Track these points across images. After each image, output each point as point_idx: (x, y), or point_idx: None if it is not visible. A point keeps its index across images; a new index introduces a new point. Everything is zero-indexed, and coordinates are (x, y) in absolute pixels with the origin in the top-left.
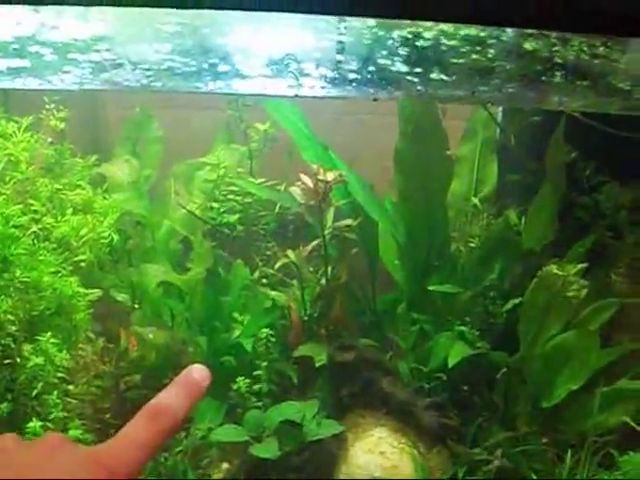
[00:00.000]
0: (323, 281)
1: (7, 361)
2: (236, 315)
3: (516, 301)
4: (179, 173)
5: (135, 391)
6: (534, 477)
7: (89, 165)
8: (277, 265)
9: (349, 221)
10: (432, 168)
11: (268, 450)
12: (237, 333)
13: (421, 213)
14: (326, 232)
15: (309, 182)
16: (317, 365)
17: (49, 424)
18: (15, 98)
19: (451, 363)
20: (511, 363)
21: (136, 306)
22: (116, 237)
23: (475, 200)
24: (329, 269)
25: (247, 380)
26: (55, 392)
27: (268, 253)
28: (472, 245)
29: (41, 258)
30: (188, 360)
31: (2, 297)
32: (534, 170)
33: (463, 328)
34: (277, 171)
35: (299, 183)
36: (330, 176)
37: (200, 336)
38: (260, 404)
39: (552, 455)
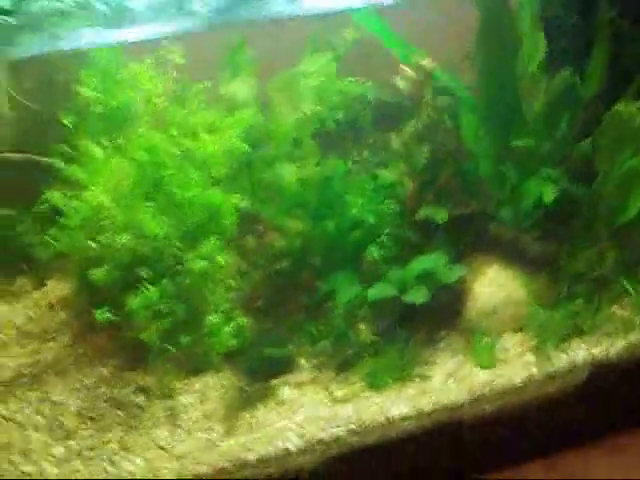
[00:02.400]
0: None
1: (178, 267)
2: (349, 198)
3: (588, 140)
4: (278, 85)
5: (283, 277)
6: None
7: (206, 90)
8: (394, 146)
9: (447, 99)
10: (504, 45)
11: (419, 295)
12: (354, 212)
13: (497, 83)
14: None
15: (409, 71)
16: (440, 222)
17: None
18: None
19: (547, 200)
20: (590, 191)
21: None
22: (247, 148)
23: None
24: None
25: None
26: (221, 289)
27: (371, 141)
28: (539, 104)
29: (188, 176)
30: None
31: (159, 216)
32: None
33: (549, 171)
34: (360, 73)
35: (402, 73)
36: (426, 63)
37: (326, 219)
38: (387, 268)
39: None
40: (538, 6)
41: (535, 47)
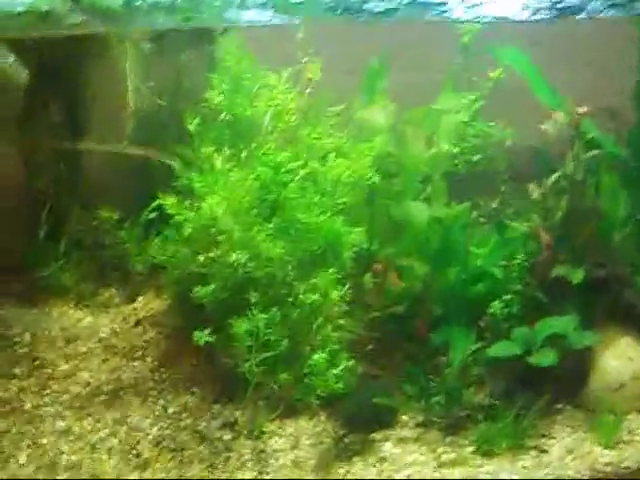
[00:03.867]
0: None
1: (289, 299)
2: (473, 248)
3: None
4: (415, 118)
5: (398, 322)
6: None
7: (338, 112)
8: (533, 196)
9: (595, 152)
10: None
11: (547, 358)
12: (479, 263)
13: None
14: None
15: (561, 117)
16: (575, 283)
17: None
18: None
19: None
20: None
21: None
22: (377, 178)
23: None
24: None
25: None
26: (329, 326)
27: (502, 189)
28: None
29: (311, 200)
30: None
31: (275, 240)
32: None
33: None
34: (501, 115)
35: (551, 119)
36: (583, 109)
37: (448, 267)
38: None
39: None
40: None
41: None
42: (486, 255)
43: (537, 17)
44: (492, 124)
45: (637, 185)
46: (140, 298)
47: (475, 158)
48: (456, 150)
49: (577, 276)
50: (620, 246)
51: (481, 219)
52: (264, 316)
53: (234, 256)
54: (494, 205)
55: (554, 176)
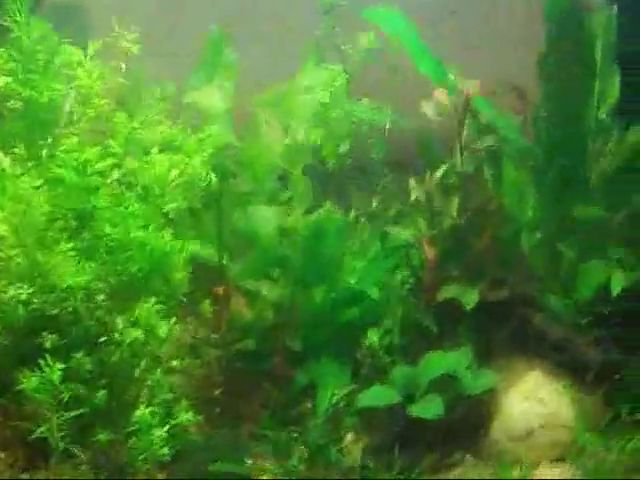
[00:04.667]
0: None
1: (101, 339)
2: (349, 260)
3: None
4: (267, 99)
5: (248, 359)
6: None
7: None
8: (412, 197)
9: (491, 141)
10: (575, 78)
11: (431, 409)
12: (352, 281)
13: (559, 128)
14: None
15: (444, 97)
16: (467, 308)
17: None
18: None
19: (614, 292)
20: None
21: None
22: (214, 178)
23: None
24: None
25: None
26: (158, 370)
27: (381, 185)
28: (607, 164)
29: (127, 210)
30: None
31: (83, 262)
32: None
33: (620, 251)
34: (378, 90)
35: (432, 98)
36: (470, 87)
37: (313, 287)
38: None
39: None
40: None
41: (607, 89)
42: (362, 270)
43: None
44: (364, 103)
45: (548, 180)
46: None
47: (343, 147)
48: (319, 138)
49: (470, 299)
50: (528, 258)
51: (360, 222)
52: (61, 366)
53: (12, 291)
54: (374, 204)
55: (440, 171)
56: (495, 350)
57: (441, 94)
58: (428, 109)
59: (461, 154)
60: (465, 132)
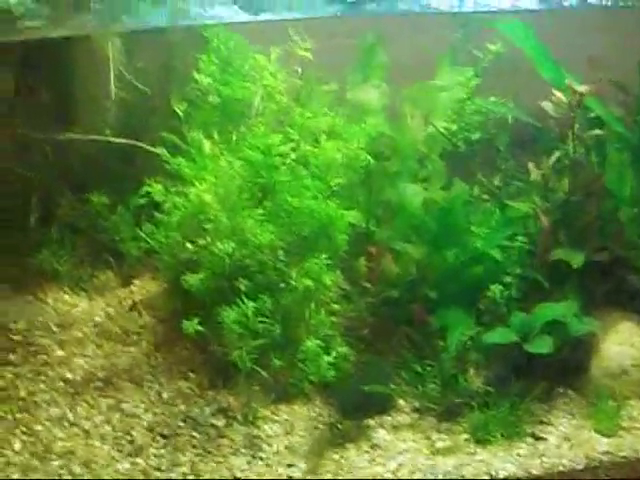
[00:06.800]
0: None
1: (280, 285)
2: (474, 228)
3: None
4: (412, 96)
5: (392, 306)
6: None
7: (333, 92)
8: (531, 177)
9: (599, 131)
10: None
11: (543, 346)
12: (478, 245)
13: None
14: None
15: (562, 96)
16: (575, 267)
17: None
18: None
19: None
20: None
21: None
22: (371, 160)
23: None
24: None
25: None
26: (323, 311)
27: (504, 167)
28: None
29: (303, 184)
30: (435, 274)
31: (267, 225)
32: None
33: None
34: (502, 90)
35: (552, 97)
36: (583, 88)
37: (446, 249)
38: (508, 310)
39: None
40: None
41: None
42: (486, 236)
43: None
44: (493, 100)
45: None
46: (136, 281)
47: (475, 136)
48: (455, 128)
49: (577, 260)
50: (626, 228)
51: (484, 196)
52: (253, 304)
53: (220, 245)
54: (496, 183)
55: (555, 155)
56: (596, 304)
57: (559, 94)
58: (548, 107)
59: (572, 143)
60: (577, 125)
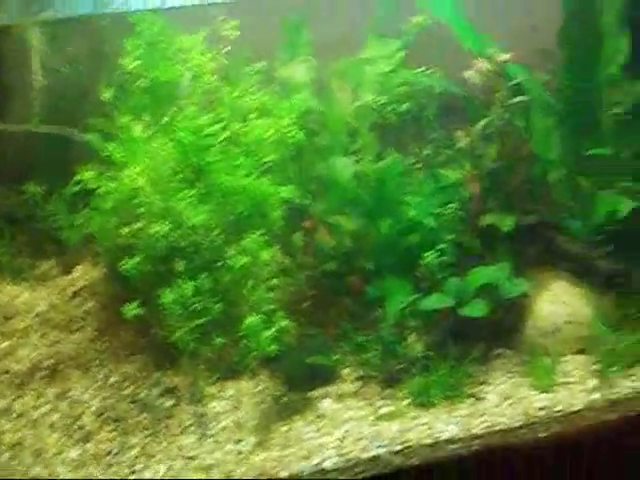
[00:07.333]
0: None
1: (218, 264)
2: (407, 198)
3: None
4: (339, 70)
5: (330, 279)
6: None
7: (261, 70)
8: (458, 144)
9: (521, 98)
10: (586, 45)
11: (477, 310)
12: (412, 214)
13: (576, 85)
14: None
15: (485, 64)
16: (505, 230)
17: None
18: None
19: (622, 214)
20: None
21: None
22: (302, 136)
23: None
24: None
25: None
26: (262, 287)
27: (434, 136)
28: (617, 111)
29: (234, 163)
30: (370, 245)
31: (200, 205)
32: None
33: (627, 184)
34: (428, 62)
35: (475, 67)
36: (504, 57)
37: (381, 219)
38: (444, 276)
39: None
40: (624, 4)
41: (617, 48)
42: (419, 205)
43: None
44: (419, 71)
45: (569, 126)
46: (78, 268)
47: (403, 107)
48: (383, 100)
49: (507, 223)
50: (554, 191)
51: (417, 166)
52: (191, 284)
53: (155, 228)
54: (427, 152)
55: (481, 123)
56: (528, 265)
57: (481, 63)
58: (471, 76)
59: (498, 109)
60: (500, 92)
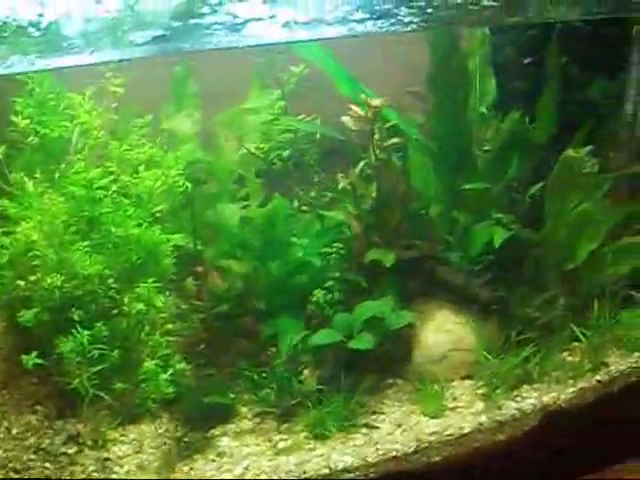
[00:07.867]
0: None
1: (114, 312)
2: (294, 239)
3: (538, 186)
4: (225, 121)
5: (224, 320)
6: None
7: (148, 124)
8: (340, 186)
9: (396, 140)
10: (455, 87)
11: (364, 342)
12: (300, 254)
13: (448, 125)
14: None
15: (359, 110)
16: (387, 265)
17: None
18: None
19: (497, 244)
20: (539, 237)
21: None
22: (189, 185)
23: (482, 109)
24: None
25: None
26: (158, 332)
27: (317, 180)
28: (488, 147)
29: (125, 213)
30: (261, 286)
31: (96, 255)
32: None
33: (499, 215)
34: (308, 108)
35: (350, 112)
36: (377, 102)
37: (270, 261)
38: (333, 312)
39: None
40: (489, 49)
41: (485, 89)
42: (306, 246)
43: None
44: (299, 118)
45: (444, 164)
46: None
47: (286, 153)
48: (267, 147)
49: (388, 259)
50: (434, 225)
51: (303, 208)
52: (88, 332)
53: (49, 279)
54: (312, 195)
55: (359, 165)
56: (411, 297)
57: (355, 108)
58: (348, 121)
59: (374, 152)
60: (377, 135)
